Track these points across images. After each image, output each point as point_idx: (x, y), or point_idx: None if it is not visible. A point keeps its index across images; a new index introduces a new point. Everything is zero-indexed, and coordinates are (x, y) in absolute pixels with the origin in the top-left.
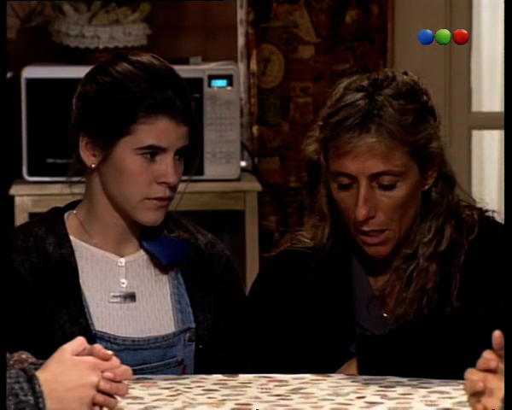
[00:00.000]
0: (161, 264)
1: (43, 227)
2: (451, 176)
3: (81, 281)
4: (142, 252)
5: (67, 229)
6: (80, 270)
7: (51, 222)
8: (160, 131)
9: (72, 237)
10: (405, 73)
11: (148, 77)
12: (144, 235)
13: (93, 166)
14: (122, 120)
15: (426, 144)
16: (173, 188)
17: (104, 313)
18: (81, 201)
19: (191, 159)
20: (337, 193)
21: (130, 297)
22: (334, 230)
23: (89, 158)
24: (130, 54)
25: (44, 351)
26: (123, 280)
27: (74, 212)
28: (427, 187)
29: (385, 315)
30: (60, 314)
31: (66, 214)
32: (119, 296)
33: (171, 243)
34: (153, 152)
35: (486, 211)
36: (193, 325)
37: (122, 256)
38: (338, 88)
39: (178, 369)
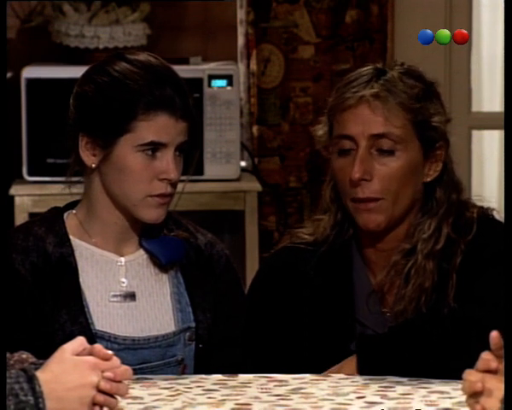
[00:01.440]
0: (161, 263)
1: (42, 227)
2: (458, 181)
3: (81, 280)
4: (141, 251)
5: (67, 228)
6: (80, 269)
7: (51, 222)
8: (159, 127)
9: (71, 237)
10: None
11: (146, 74)
12: (144, 234)
13: (93, 165)
14: (122, 118)
15: (428, 118)
16: (174, 184)
17: (104, 313)
18: (80, 200)
19: (190, 156)
20: (336, 161)
21: (130, 296)
22: (336, 222)
23: (89, 158)
24: (126, 53)
25: (44, 351)
26: (123, 279)
27: (74, 212)
28: (429, 179)
29: (384, 311)
30: (60, 314)
31: (65, 214)
32: (119, 296)
33: (170, 242)
34: (153, 148)
35: (487, 209)
36: (193, 325)
37: (122, 256)
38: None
39: (178, 368)
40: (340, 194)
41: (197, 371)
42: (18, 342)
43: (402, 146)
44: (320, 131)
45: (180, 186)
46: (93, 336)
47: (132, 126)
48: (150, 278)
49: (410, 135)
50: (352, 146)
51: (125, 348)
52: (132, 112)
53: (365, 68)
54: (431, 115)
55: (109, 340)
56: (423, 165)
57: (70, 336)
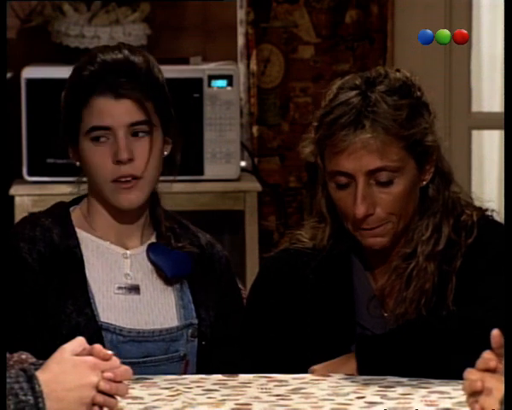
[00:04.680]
0: (166, 276)
1: (49, 218)
2: (448, 172)
3: (87, 272)
4: (145, 246)
5: (73, 221)
6: (86, 261)
7: (57, 214)
8: (98, 110)
9: (77, 229)
10: (398, 70)
11: (92, 65)
12: (152, 245)
13: (78, 163)
14: (73, 112)
15: (421, 138)
16: (136, 167)
17: (109, 305)
18: (85, 196)
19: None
20: (335, 193)
21: (135, 289)
22: (334, 231)
23: (73, 155)
24: (98, 48)
25: (50, 343)
26: (128, 272)
27: (78, 207)
28: (425, 183)
29: (385, 315)
30: (66, 305)
31: (71, 209)
32: (124, 288)
33: (177, 256)
34: (102, 133)
35: (486, 210)
36: (195, 321)
37: (127, 249)
38: (331, 88)
39: (181, 364)
40: (341, 217)
41: (200, 368)
42: (24, 331)
43: (399, 173)
44: (307, 148)
45: (180, 186)
46: (99, 328)
47: (80, 118)
48: (154, 272)
49: (405, 160)
50: (349, 179)
51: (130, 340)
52: (79, 104)
53: (349, 95)
54: (423, 135)
55: (114, 332)
56: (419, 176)
57: (76, 328)
